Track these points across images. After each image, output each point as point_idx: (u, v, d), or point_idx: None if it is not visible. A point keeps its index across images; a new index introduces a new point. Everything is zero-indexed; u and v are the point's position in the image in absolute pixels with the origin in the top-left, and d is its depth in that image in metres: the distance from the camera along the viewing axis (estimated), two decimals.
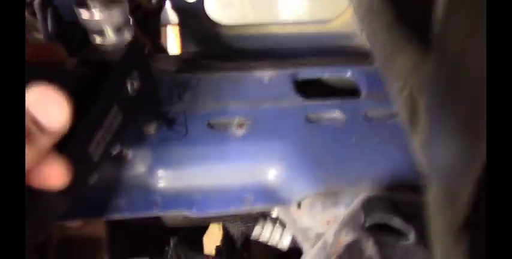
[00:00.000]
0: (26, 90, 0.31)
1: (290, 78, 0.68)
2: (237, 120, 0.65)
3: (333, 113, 0.65)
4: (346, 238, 0.52)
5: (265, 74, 0.68)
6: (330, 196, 0.59)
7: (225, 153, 0.62)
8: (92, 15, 0.46)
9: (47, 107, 0.32)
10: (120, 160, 0.61)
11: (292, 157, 0.61)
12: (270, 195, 0.61)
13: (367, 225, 0.51)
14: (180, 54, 0.75)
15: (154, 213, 0.60)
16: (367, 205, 0.53)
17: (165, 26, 0.77)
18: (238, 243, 0.76)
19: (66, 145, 0.36)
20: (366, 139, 0.62)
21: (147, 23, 0.78)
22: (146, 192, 0.60)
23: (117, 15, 0.47)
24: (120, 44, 0.49)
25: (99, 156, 0.44)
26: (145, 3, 0.74)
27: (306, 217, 0.60)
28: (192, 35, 0.76)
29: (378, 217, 0.52)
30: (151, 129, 0.62)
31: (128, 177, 0.61)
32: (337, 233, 0.53)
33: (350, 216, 0.54)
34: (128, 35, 0.50)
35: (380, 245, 0.49)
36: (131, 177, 0.61)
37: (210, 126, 0.64)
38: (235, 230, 0.75)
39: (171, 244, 0.72)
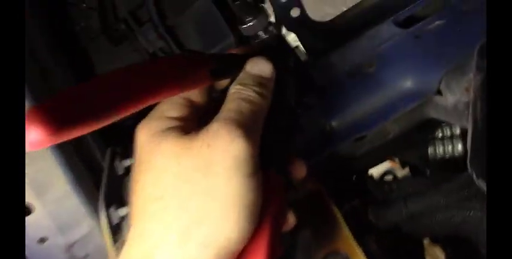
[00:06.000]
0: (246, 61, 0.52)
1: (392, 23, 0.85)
2: (367, 63, 0.82)
3: (434, 23, 0.80)
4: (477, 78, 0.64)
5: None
6: (457, 70, 0.72)
7: (369, 86, 0.79)
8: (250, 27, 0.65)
9: (259, 64, 0.52)
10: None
11: (418, 65, 0.77)
12: (415, 96, 0.76)
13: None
14: None
15: (331, 150, 0.79)
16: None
17: None
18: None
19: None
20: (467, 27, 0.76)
21: None
22: (322, 137, 0.79)
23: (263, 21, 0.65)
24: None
25: (294, 103, 0.59)
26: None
27: (448, 96, 0.73)
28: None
29: None
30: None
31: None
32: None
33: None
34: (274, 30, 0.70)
35: None
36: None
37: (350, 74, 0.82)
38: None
39: None
